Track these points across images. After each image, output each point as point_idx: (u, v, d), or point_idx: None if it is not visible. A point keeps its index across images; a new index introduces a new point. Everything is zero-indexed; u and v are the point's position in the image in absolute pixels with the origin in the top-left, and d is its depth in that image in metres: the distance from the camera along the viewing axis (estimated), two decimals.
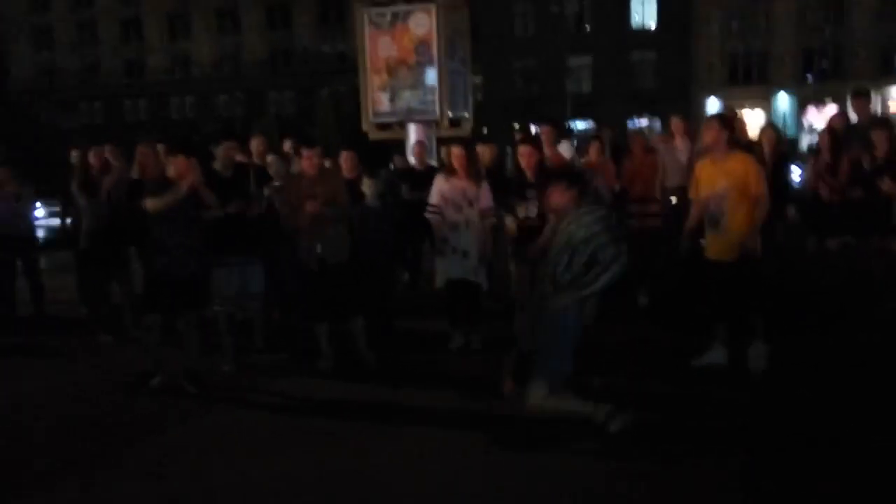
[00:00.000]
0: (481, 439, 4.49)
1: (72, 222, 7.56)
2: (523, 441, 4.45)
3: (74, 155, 7.83)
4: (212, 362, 5.94)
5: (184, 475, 4.17)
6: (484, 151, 7.64)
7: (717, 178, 5.41)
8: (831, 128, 7.54)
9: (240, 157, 6.65)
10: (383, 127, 10.81)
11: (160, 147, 7.00)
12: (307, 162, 5.92)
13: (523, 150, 6.03)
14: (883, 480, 3.83)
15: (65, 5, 48.43)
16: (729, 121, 5.70)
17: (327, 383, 5.62)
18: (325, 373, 5.82)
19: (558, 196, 4.68)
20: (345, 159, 7.05)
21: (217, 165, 6.06)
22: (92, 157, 7.19)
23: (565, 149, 7.35)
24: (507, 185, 6.42)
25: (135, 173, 7.06)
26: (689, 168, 7.61)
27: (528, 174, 5.97)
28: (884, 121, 8.57)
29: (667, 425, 4.60)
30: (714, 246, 5.47)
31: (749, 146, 7.91)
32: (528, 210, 5.89)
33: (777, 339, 5.54)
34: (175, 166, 5.53)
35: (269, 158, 7.35)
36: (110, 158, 7.31)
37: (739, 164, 5.39)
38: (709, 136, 5.47)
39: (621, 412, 4.40)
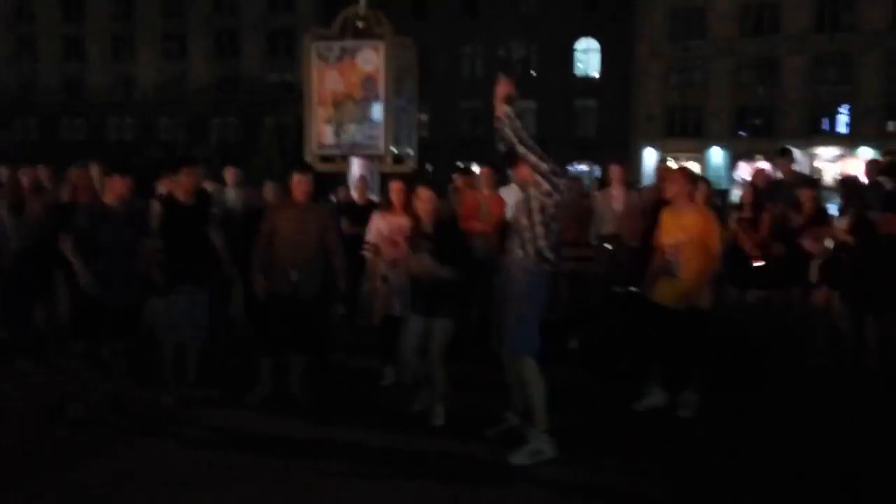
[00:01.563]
0: (414, 474, 4.49)
1: None
2: (458, 475, 4.46)
3: (4, 173, 7.61)
4: (144, 393, 5.78)
5: None
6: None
7: (675, 229, 5.61)
8: (754, 184, 7.83)
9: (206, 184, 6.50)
10: (326, 159, 10.80)
11: (95, 170, 6.87)
12: (300, 188, 5.77)
13: (423, 195, 5.45)
14: None
15: (3, 20, 47.29)
16: (693, 175, 5.92)
17: (259, 418, 5.51)
18: (252, 405, 5.71)
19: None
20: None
21: (178, 192, 5.88)
22: (22, 177, 7.00)
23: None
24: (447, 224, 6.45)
25: (66, 195, 6.90)
26: (625, 216, 7.85)
27: (425, 222, 5.47)
28: (810, 180, 8.97)
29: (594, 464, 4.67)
30: (666, 292, 5.63)
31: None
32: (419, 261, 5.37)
33: (707, 390, 5.69)
34: (112, 188, 5.42)
35: (211, 187, 7.29)
36: (43, 179, 7.14)
37: (700, 219, 5.59)
38: (674, 187, 5.67)
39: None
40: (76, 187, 6.87)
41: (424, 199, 5.40)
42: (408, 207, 6.27)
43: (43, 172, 7.22)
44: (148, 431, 5.25)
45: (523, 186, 4.93)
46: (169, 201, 5.89)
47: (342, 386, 6.31)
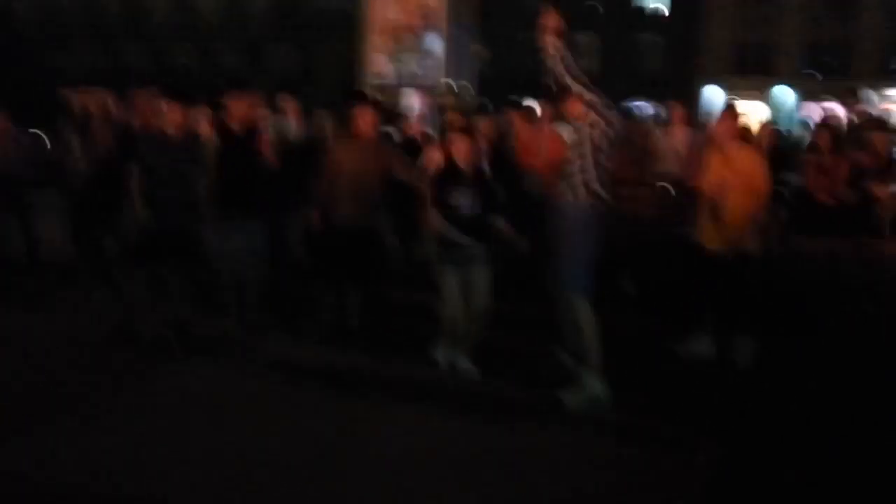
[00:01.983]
0: (463, 410, 4.57)
1: (65, 168, 7.50)
2: (507, 414, 4.53)
3: (70, 97, 7.73)
4: (207, 318, 5.96)
5: (162, 428, 4.21)
6: (482, 124, 7.62)
7: (723, 170, 5.44)
8: (831, 127, 7.55)
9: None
10: (383, 90, 10.73)
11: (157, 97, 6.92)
12: (364, 120, 5.68)
13: (458, 140, 5.18)
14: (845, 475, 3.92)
15: None
16: (740, 115, 5.73)
17: (316, 348, 5.65)
18: (312, 336, 5.85)
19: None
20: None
21: (231, 121, 5.89)
22: (88, 101, 7.10)
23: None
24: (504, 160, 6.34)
25: (134, 121, 7.00)
26: (687, 158, 7.66)
27: (464, 167, 5.17)
28: (883, 123, 8.60)
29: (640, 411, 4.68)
30: (711, 237, 5.50)
31: (745, 137, 7.95)
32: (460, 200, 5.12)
33: (762, 336, 5.61)
34: (171, 116, 5.47)
35: (270, 117, 7.29)
36: (111, 106, 7.24)
37: (747, 159, 5.41)
38: (722, 127, 5.49)
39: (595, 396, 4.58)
40: (143, 114, 6.96)
41: (459, 143, 5.12)
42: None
43: (109, 97, 7.32)
44: (209, 355, 5.43)
45: (575, 123, 4.84)
46: (222, 130, 5.91)
47: (399, 320, 6.40)
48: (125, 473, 3.65)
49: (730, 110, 5.67)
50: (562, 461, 3.98)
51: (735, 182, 5.34)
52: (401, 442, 4.13)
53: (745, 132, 7.96)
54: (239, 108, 5.85)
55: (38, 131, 8.06)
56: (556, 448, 4.14)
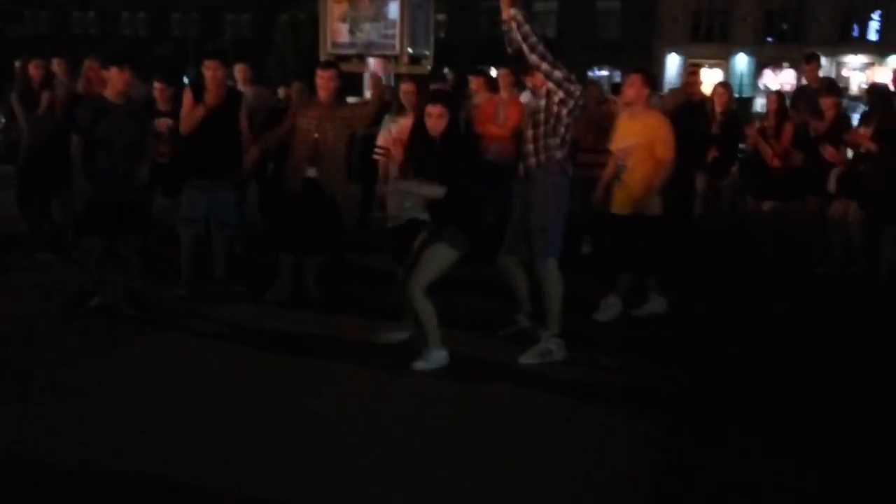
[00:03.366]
0: (423, 372, 4.59)
1: (11, 137, 7.32)
2: (466, 373, 4.58)
3: (18, 65, 7.52)
4: (161, 288, 5.90)
5: (117, 399, 4.16)
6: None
7: (627, 133, 5.51)
8: (779, 92, 7.68)
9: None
10: (342, 59, 10.60)
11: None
12: (322, 84, 5.69)
13: (432, 111, 4.60)
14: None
15: None
16: (652, 78, 5.76)
17: (275, 313, 5.63)
18: (271, 302, 5.83)
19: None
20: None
21: (210, 89, 5.72)
22: (33, 69, 6.90)
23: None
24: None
25: (80, 89, 6.84)
26: None
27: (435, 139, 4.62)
28: (834, 87, 8.76)
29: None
30: (618, 198, 5.59)
31: (702, 102, 8.04)
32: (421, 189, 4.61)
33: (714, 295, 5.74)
34: (112, 82, 5.34)
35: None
36: (58, 72, 7.05)
37: (652, 124, 5.47)
38: (630, 91, 5.52)
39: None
40: (89, 80, 6.80)
41: (435, 115, 4.57)
42: (418, 108, 6.20)
43: (58, 65, 7.13)
44: (164, 325, 5.38)
45: (536, 92, 4.84)
46: (199, 96, 5.81)
47: (356, 285, 6.40)
48: (88, 445, 3.60)
49: (639, 75, 5.56)
50: (521, 418, 4.04)
51: (638, 147, 5.39)
52: (367, 407, 4.14)
53: (697, 93, 8.07)
54: (208, 73, 5.73)
55: None
56: (517, 406, 4.20)
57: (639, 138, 5.41)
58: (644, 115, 5.48)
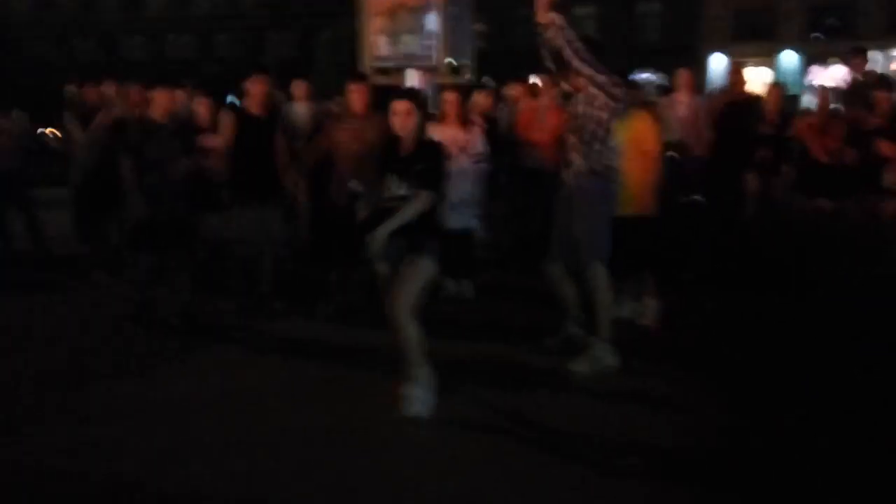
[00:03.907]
0: (474, 381, 4.58)
1: (68, 159, 7.54)
2: (516, 382, 4.54)
3: (71, 89, 7.75)
4: (214, 303, 5.98)
5: (172, 416, 4.21)
6: (479, 98, 7.58)
7: (619, 134, 5.42)
8: (826, 87, 7.50)
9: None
10: (382, 72, 10.70)
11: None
12: (354, 98, 5.75)
13: (398, 108, 4.13)
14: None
15: None
16: (634, 82, 5.66)
17: (324, 328, 5.66)
18: (321, 317, 5.87)
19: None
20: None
21: (250, 105, 5.85)
22: (88, 93, 7.12)
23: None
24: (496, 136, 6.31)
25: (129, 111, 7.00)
26: (691, 123, 7.62)
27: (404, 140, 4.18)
28: (887, 81, 8.52)
29: None
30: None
31: (750, 101, 7.89)
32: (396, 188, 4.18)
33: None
34: (157, 103, 5.53)
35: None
36: (110, 95, 7.24)
37: (638, 124, 5.40)
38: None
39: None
40: (136, 104, 6.96)
41: (402, 112, 4.12)
42: (460, 117, 6.22)
43: (109, 89, 7.32)
44: (216, 340, 5.45)
45: (577, 96, 4.80)
46: (241, 114, 5.91)
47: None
48: (139, 461, 3.65)
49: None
50: (574, 429, 3.98)
51: (629, 146, 5.29)
52: (416, 420, 4.12)
53: (742, 92, 7.92)
54: (259, 93, 5.82)
55: (45, 129, 8.11)
56: (570, 416, 4.15)
57: (624, 135, 5.32)
58: (630, 115, 5.38)
